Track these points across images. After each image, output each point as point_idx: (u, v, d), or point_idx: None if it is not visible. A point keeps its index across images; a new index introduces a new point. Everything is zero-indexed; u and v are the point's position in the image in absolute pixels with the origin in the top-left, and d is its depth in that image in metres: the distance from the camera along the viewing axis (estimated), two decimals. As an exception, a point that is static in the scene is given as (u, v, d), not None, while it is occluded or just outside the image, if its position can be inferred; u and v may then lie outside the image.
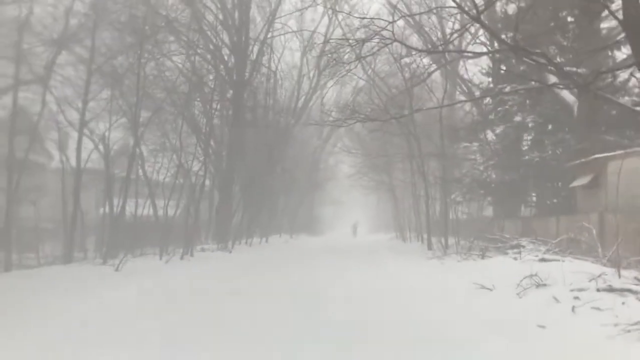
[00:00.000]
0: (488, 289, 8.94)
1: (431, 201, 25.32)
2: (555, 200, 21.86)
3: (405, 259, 17.76)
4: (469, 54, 25.45)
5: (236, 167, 30.03)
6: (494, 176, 21.91)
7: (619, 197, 15.73)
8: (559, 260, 12.86)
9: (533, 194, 23.48)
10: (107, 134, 20.12)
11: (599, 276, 8.02)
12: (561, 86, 19.21)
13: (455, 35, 14.17)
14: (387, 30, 9.82)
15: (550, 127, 20.43)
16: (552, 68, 18.46)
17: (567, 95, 19.66)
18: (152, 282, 11.72)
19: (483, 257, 15.50)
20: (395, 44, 25.36)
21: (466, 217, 28.06)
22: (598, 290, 7.28)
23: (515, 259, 13.79)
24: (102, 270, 12.74)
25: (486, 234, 21.13)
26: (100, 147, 20.39)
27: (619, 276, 8.61)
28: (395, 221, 39.45)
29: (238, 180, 33.31)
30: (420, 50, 15.12)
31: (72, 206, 17.75)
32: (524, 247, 14.47)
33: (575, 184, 17.56)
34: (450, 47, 27.12)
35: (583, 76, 11.70)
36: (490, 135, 22.58)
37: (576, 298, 7.12)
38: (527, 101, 21.75)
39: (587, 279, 8.11)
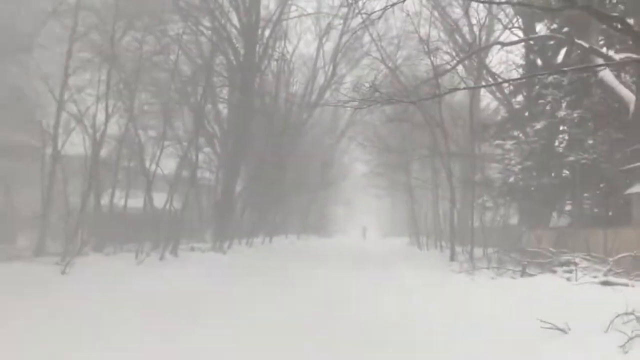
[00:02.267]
0: (560, 330, 6.20)
1: (456, 205, 22.52)
2: (596, 210, 19.08)
3: (427, 273, 14.89)
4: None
5: (242, 159, 27.49)
6: (528, 179, 19.08)
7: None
8: (627, 285, 10.17)
9: (568, 202, 20.68)
10: (94, 114, 17.85)
11: None
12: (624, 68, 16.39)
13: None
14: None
15: (599, 124, 17.68)
16: (609, 52, 15.41)
17: (622, 90, 16.84)
18: (88, 293, 9.02)
19: (522, 274, 12.77)
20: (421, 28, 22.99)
21: (488, 224, 25.27)
22: None
23: (568, 279, 11.07)
24: (44, 271, 10.22)
25: (520, 245, 18.39)
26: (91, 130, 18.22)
27: None
28: (410, 226, 36.58)
29: (244, 173, 30.97)
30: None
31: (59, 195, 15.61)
32: (576, 264, 11.71)
33: (634, 190, 14.76)
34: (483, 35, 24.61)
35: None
36: (526, 133, 19.85)
37: None
38: (568, 98, 18.97)
39: None
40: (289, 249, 25.41)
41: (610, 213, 18.63)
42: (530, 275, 12.42)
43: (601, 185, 17.80)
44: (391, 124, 30.79)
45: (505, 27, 23.02)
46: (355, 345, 6.46)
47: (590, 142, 18.25)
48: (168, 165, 24.94)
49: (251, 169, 30.79)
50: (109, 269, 11.63)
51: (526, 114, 21.30)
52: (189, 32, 23.90)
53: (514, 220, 26.18)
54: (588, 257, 12.12)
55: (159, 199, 22.76)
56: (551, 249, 13.60)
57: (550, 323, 6.16)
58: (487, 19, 24.16)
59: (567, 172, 19.29)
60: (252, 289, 11.05)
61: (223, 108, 30.67)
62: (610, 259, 11.93)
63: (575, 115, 17.34)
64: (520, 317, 7.20)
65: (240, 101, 27.05)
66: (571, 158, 16.96)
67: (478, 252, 19.99)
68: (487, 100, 32.43)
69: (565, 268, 11.84)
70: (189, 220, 28.27)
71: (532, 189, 18.64)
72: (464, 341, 6.52)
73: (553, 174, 18.43)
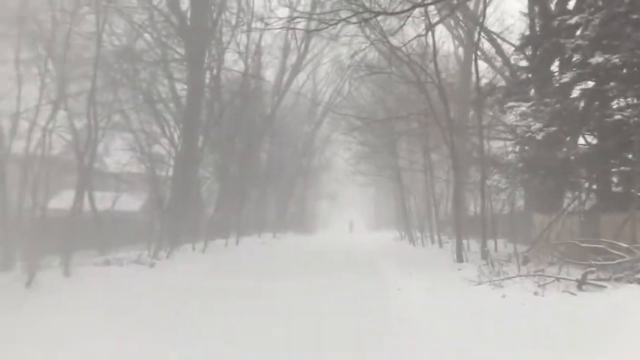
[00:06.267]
0: None
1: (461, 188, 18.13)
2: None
3: (432, 285, 10.33)
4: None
5: (195, 146, 22.78)
6: (553, 150, 14.69)
7: None
8: None
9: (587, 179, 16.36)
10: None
11: None
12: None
13: None
14: None
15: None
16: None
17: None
18: None
19: (581, 286, 8.37)
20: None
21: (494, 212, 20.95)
22: None
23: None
24: None
25: (536, 236, 14.14)
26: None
27: None
28: (401, 217, 32.14)
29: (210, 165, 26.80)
30: None
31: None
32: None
33: None
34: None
35: None
36: (544, 93, 15.49)
37: None
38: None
39: None
40: (257, 252, 20.78)
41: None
42: (598, 285, 8.02)
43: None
44: (374, 100, 26.46)
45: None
46: None
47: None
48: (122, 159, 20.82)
49: (216, 158, 26.50)
50: None
51: (525, 77, 17.04)
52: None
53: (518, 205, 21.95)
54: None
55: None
56: (620, 243, 9.15)
57: None
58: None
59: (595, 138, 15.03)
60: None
61: (181, 90, 25.83)
62: None
63: (615, 60, 12.91)
64: None
65: (191, 78, 22.43)
66: (617, 117, 12.56)
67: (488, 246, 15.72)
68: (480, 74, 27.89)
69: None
70: (144, 224, 23.77)
71: (568, 158, 14.21)
72: None
73: (587, 141, 14.18)
